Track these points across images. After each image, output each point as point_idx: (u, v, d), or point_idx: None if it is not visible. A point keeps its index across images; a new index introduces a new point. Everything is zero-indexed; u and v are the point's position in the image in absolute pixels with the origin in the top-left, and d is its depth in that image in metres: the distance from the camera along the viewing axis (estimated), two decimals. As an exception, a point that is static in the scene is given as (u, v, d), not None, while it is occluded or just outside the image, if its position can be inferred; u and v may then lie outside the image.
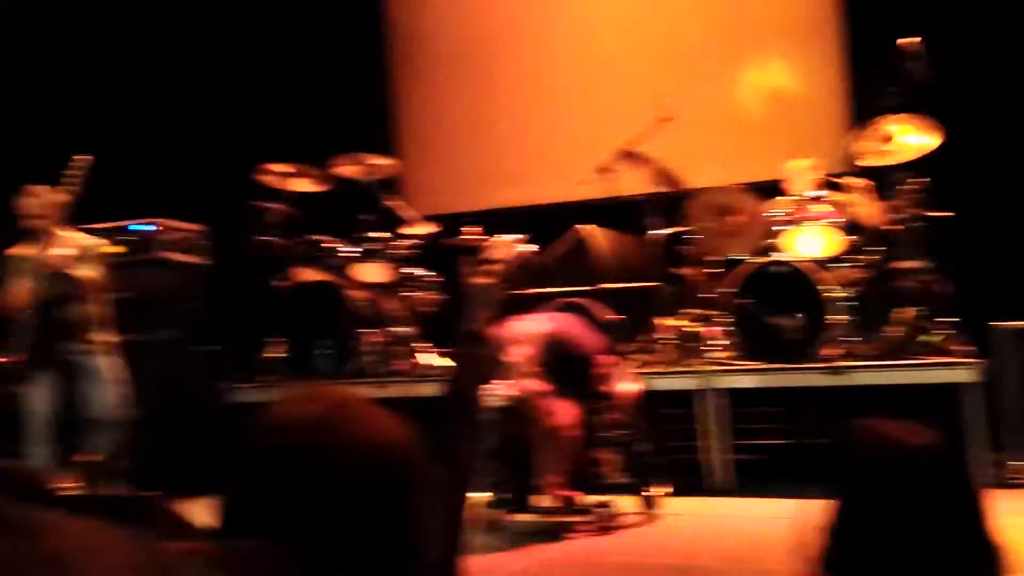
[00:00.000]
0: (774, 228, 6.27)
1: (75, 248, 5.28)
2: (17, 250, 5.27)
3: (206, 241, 7.02)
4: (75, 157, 5.29)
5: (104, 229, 6.56)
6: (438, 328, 6.95)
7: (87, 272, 5.23)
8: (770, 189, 6.75)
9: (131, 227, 6.66)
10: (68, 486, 4.86)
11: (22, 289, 5.07)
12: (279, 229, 7.08)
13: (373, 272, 7.10)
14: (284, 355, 6.89)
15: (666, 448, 5.40)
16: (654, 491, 4.98)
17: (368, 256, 7.09)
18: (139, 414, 5.44)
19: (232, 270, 7.28)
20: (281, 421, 1.09)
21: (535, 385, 4.64)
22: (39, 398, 5.15)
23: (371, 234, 7.12)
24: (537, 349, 4.70)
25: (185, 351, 6.49)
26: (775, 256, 6.13)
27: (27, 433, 5.10)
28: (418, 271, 7.18)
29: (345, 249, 7.15)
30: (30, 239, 5.23)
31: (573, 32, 8.88)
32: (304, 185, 7.20)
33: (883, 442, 1.51)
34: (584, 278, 6.84)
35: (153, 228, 6.65)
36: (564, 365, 4.75)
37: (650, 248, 6.63)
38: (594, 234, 7.23)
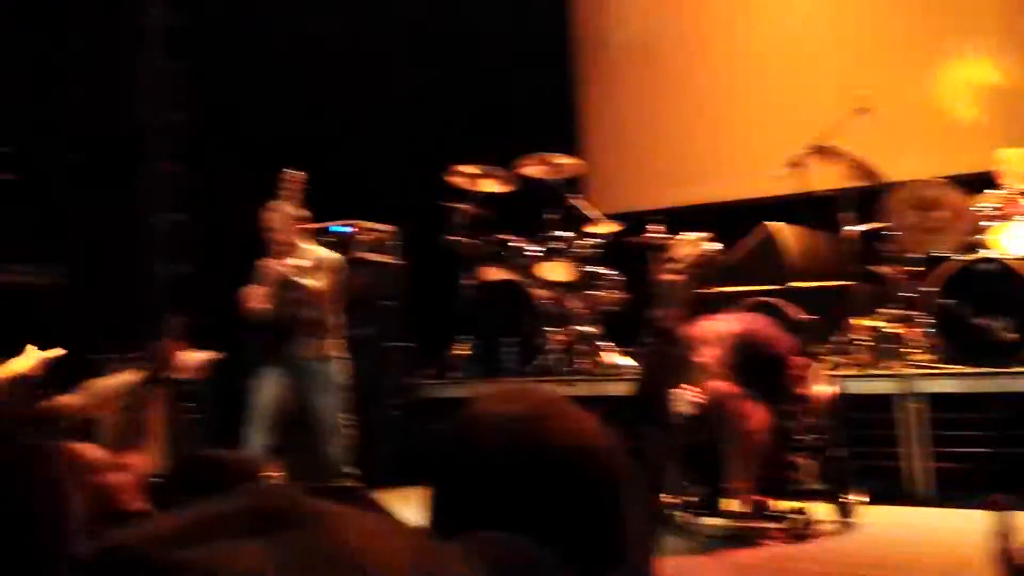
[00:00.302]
0: (981, 223, 5.92)
1: (310, 260, 5.59)
2: (265, 260, 5.63)
3: (398, 241, 7.25)
4: (287, 172, 5.55)
5: (311, 231, 6.91)
6: (621, 327, 6.92)
7: (317, 282, 5.52)
8: (977, 182, 6.38)
9: (332, 228, 6.95)
10: (274, 476, 5.12)
11: (258, 293, 5.45)
12: (467, 229, 7.23)
13: (557, 271, 7.14)
14: (471, 352, 7.02)
15: (862, 454, 5.19)
16: (850, 498, 4.79)
17: (553, 255, 7.14)
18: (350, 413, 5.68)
19: (422, 269, 7.49)
20: (489, 418, 1.10)
21: (725, 386, 4.54)
22: (264, 393, 5.49)
23: (556, 233, 7.17)
24: (727, 349, 4.60)
25: (380, 348, 6.72)
26: (982, 253, 5.78)
27: (249, 423, 5.44)
28: (602, 270, 7.18)
29: (530, 248, 7.23)
30: (275, 250, 5.58)
31: (764, 24, 8.66)
32: (491, 185, 7.33)
33: None
34: (774, 277, 6.66)
35: (350, 229, 6.91)
36: (755, 366, 4.62)
37: (845, 245, 6.38)
38: (784, 231, 7.03)
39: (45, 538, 0.92)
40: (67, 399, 4.05)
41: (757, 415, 4.56)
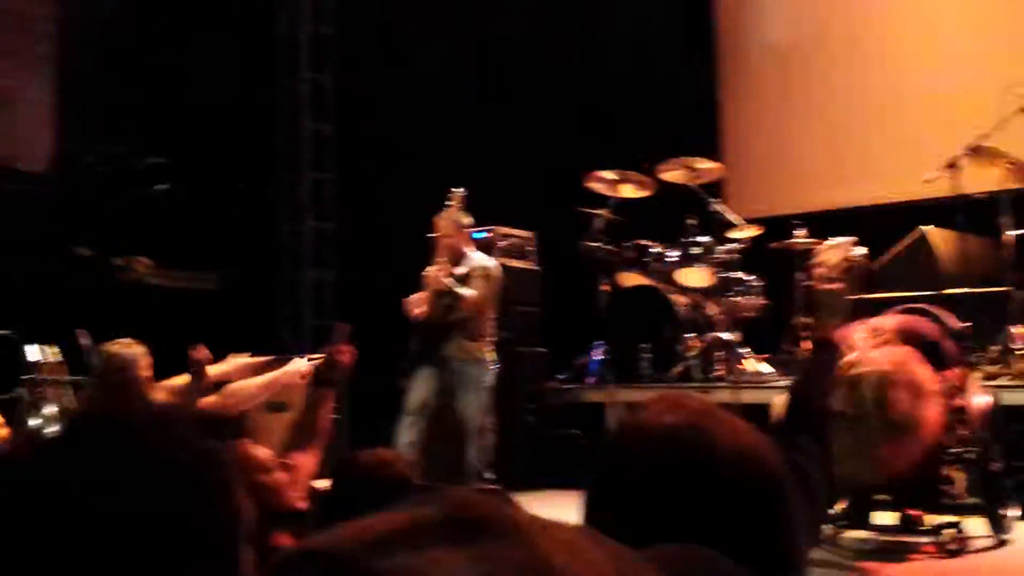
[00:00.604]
0: None
1: (471, 267, 5.80)
2: (428, 269, 5.87)
3: (537, 246, 7.29)
4: (451, 191, 5.82)
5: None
6: (761, 333, 6.77)
7: (474, 290, 5.71)
8: None
9: (474, 235, 7.06)
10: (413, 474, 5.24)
11: (419, 299, 5.75)
12: (605, 234, 7.20)
13: (696, 276, 7.04)
14: (609, 358, 6.99)
15: (1019, 467, 4.91)
16: (1006, 513, 4.54)
17: (692, 260, 7.04)
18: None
19: (561, 275, 7.50)
20: (649, 426, 1.10)
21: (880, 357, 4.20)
22: (415, 393, 5.67)
23: (695, 238, 7.07)
24: (889, 342, 4.32)
25: (517, 352, 6.75)
26: None
27: (400, 422, 5.62)
28: (742, 275, 7.03)
29: (669, 254, 7.15)
30: (441, 254, 5.83)
31: (915, 22, 8.37)
32: (630, 190, 7.28)
33: None
34: (927, 283, 6.40)
35: (488, 235, 6.99)
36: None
37: (1003, 250, 6.08)
38: (938, 235, 6.75)
39: (220, 543, 0.93)
40: (208, 400, 4.21)
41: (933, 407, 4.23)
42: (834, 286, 2.77)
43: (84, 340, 5.24)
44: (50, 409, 5.22)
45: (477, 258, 5.89)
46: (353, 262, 8.27)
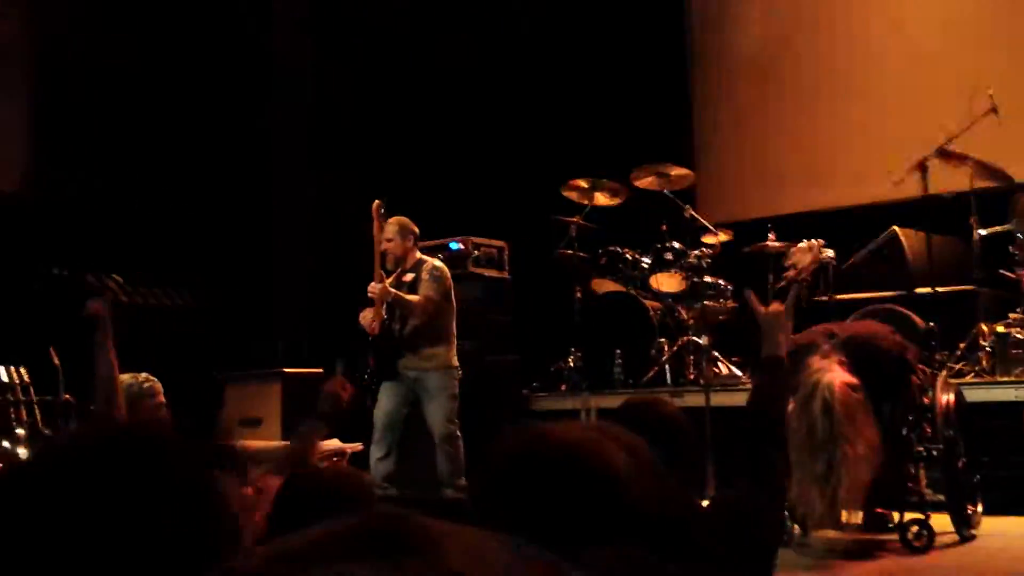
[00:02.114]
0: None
1: (420, 271, 5.73)
2: (372, 284, 5.74)
3: (510, 255, 7.31)
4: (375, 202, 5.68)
5: (427, 248, 7.04)
6: (733, 336, 6.80)
7: (425, 295, 5.62)
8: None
9: (451, 245, 7.07)
10: (378, 487, 5.25)
11: (369, 314, 5.63)
12: (579, 242, 7.23)
13: (669, 282, 7.07)
14: (582, 365, 7.01)
15: (987, 464, 4.94)
16: (972, 510, 4.57)
17: (664, 266, 7.07)
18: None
19: (534, 283, 7.52)
20: (555, 437, 1.11)
21: (845, 389, 4.27)
22: (380, 408, 5.63)
23: (668, 244, 7.10)
24: (844, 351, 4.37)
25: (490, 361, 6.76)
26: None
27: (373, 439, 5.58)
28: (713, 279, 7.06)
29: (642, 260, 7.18)
30: (387, 265, 5.77)
31: (883, 26, 8.43)
32: (603, 198, 7.31)
33: None
34: (897, 283, 6.44)
35: (461, 246, 7.01)
36: (874, 369, 4.40)
37: (972, 249, 6.12)
38: (907, 236, 6.79)
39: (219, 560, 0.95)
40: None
41: (869, 429, 4.32)
42: (776, 308, 2.87)
43: (55, 360, 5.23)
44: (20, 431, 5.20)
45: (427, 261, 5.79)
46: (329, 277, 8.27)
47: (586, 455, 1.07)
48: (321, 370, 7.06)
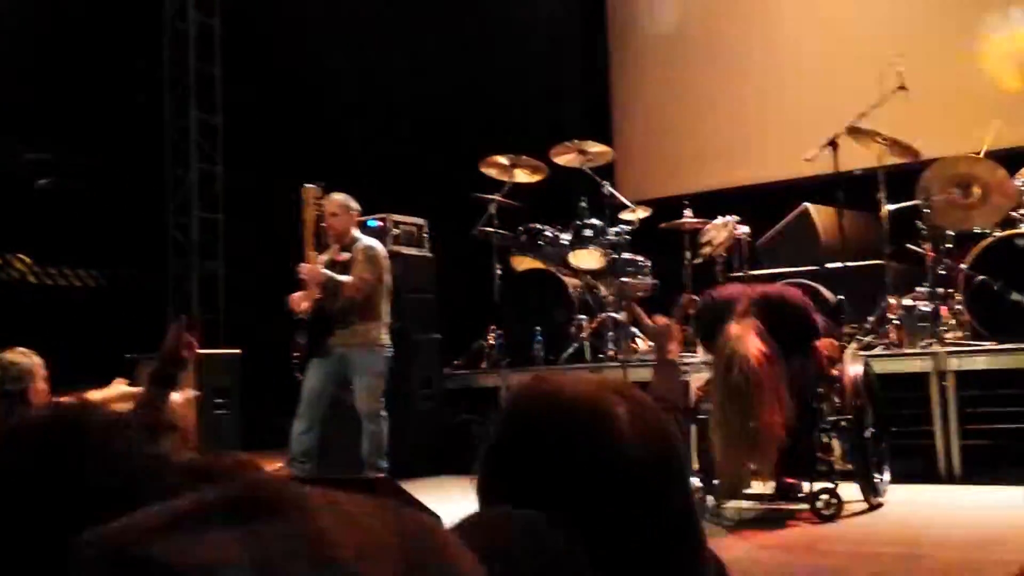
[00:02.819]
0: (1020, 197, 5.78)
1: (355, 251, 5.67)
2: (303, 263, 5.67)
3: (430, 233, 7.26)
4: (306, 187, 5.61)
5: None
6: (652, 312, 6.86)
7: (359, 275, 5.58)
8: (1016, 156, 6.23)
9: (369, 223, 6.99)
10: (279, 469, 5.22)
11: (301, 295, 5.59)
12: (499, 219, 7.22)
13: (589, 258, 7.11)
14: (502, 342, 7.02)
15: (894, 433, 5.08)
16: (880, 479, 4.69)
17: (584, 242, 7.10)
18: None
19: (455, 261, 7.50)
20: (549, 394, 1.06)
21: (753, 345, 4.30)
22: (307, 382, 5.57)
23: (587, 221, 7.13)
24: (756, 311, 4.40)
25: (411, 340, 6.73)
26: (1020, 228, 5.65)
27: (296, 416, 5.52)
28: (632, 256, 7.12)
29: (562, 236, 7.20)
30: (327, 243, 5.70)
31: (797, 6, 8.56)
32: (523, 175, 7.31)
33: None
34: (809, 258, 6.56)
35: (379, 223, 6.95)
36: (783, 328, 4.42)
37: (881, 224, 6.25)
38: (818, 212, 6.92)
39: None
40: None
41: (782, 399, 4.38)
42: (663, 322, 3.00)
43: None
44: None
45: (362, 241, 5.75)
46: (242, 255, 8.15)
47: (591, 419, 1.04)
48: (238, 351, 6.98)
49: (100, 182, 7.74)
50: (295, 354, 5.64)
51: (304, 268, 5.51)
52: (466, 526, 0.89)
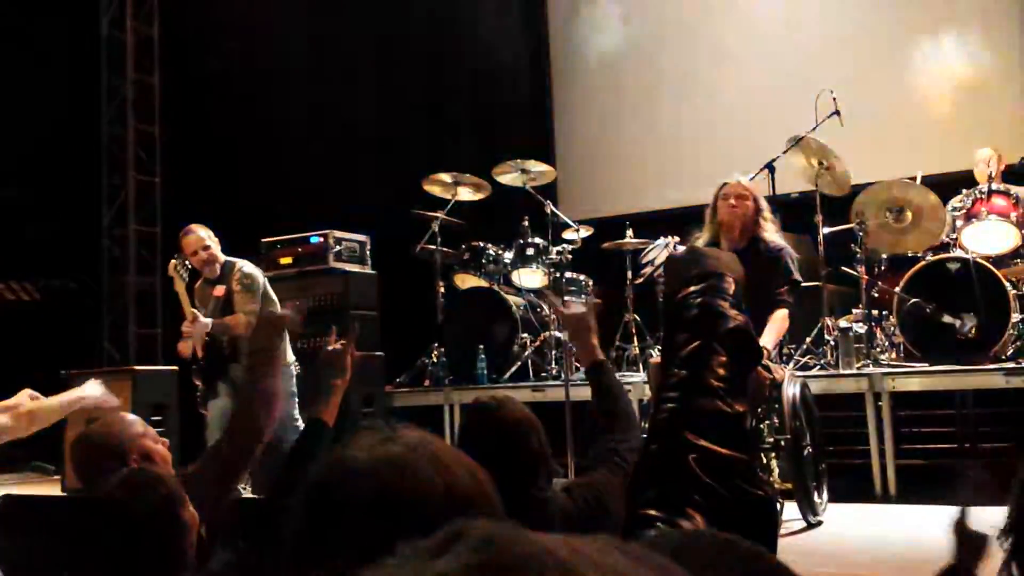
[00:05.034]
0: (952, 223, 5.96)
1: (226, 284, 5.57)
2: (199, 285, 5.65)
3: (372, 250, 7.24)
4: (171, 263, 5.55)
5: (286, 241, 6.90)
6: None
7: (231, 318, 5.48)
8: (948, 182, 6.42)
9: (312, 239, 6.95)
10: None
11: (188, 345, 5.46)
12: (441, 236, 7.23)
13: (531, 277, 7.14)
14: (445, 360, 7.01)
15: (831, 453, 5.18)
16: (816, 497, 4.78)
17: (527, 261, 7.14)
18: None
19: (397, 278, 7.48)
20: (358, 461, 1.04)
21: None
22: (213, 413, 5.48)
23: (529, 239, 7.16)
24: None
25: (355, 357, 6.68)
26: (951, 253, 5.82)
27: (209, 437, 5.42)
28: (574, 275, 7.17)
29: (504, 255, 7.23)
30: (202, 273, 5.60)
31: (736, 30, 8.72)
32: (466, 193, 7.33)
33: None
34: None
35: (320, 239, 6.91)
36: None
37: (816, 246, 6.38)
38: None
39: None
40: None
41: None
42: (578, 310, 2.98)
43: None
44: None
45: (235, 268, 5.60)
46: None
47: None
48: (175, 368, 6.86)
49: (33, 192, 7.58)
50: (198, 389, 5.56)
51: (188, 329, 5.41)
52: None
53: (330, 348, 2.64)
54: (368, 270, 7.19)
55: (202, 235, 5.57)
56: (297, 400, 5.51)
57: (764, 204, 5.10)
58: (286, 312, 2.56)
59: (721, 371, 2.40)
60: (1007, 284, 5.52)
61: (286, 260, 6.77)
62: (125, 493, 1.85)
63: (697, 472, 2.27)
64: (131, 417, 2.48)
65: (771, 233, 5.03)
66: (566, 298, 6.50)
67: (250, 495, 5.12)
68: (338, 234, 7.05)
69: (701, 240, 5.20)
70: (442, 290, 7.29)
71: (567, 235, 7.26)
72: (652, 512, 2.09)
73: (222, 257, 5.62)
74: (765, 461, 4.73)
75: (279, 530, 1.04)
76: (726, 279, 2.67)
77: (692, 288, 2.63)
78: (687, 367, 2.47)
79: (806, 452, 4.78)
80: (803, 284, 6.38)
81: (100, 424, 2.54)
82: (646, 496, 2.23)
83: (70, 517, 1.97)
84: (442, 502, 0.99)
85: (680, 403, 2.42)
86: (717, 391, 2.39)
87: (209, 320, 5.43)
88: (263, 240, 7.03)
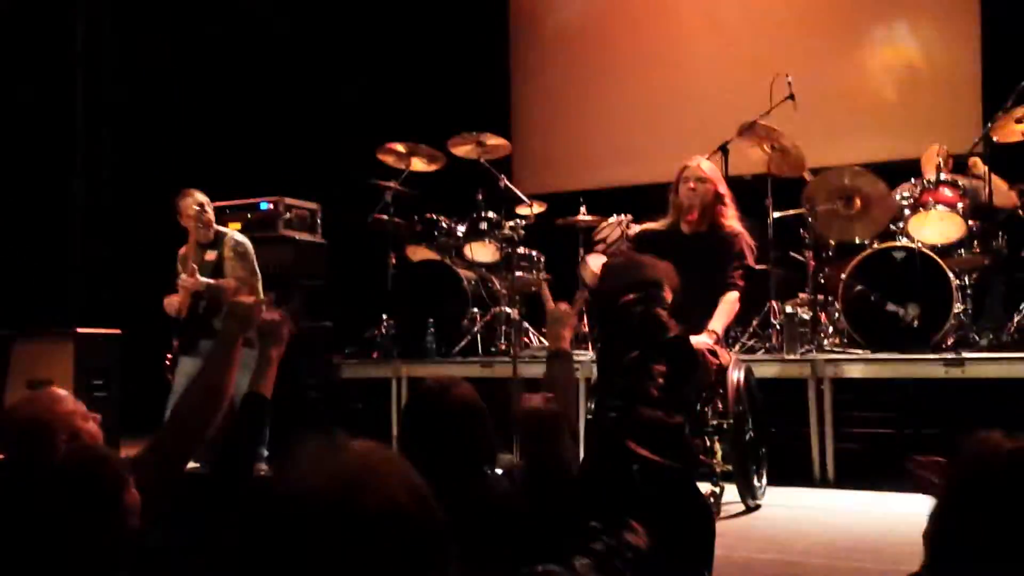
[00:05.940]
0: (899, 211, 6.04)
1: (218, 250, 5.60)
2: (184, 248, 5.62)
3: (323, 219, 7.17)
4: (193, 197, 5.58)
5: (235, 206, 6.80)
6: (544, 308, 6.93)
7: (226, 280, 5.52)
8: (898, 170, 6.49)
9: (261, 205, 6.87)
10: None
11: (176, 301, 5.51)
12: (394, 207, 7.17)
13: (483, 251, 7.13)
14: (395, 332, 6.99)
15: (772, 437, 5.25)
16: (756, 481, 4.86)
17: (479, 235, 7.12)
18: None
19: (348, 248, 7.42)
20: (303, 481, 1.03)
21: None
22: (178, 380, 5.44)
23: (483, 213, 7.14)
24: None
25: (301, 327, 6.63)
26: (897, 241, 5.90)
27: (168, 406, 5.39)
28: (526, 251, 7.17)
29: (457, 228, 7.20)
30: (192, 237, 5.58)
31: (693, 11, 8.71)
32: (420, 164, 7.28)
33: (993, 453, 1.45)
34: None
35: (271, 205, 6.83)
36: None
37: (766, 230, 6.43)
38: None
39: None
40: None
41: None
42: (565, 307, 3.03)
43: None
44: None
45: (227, 237, 5.67)
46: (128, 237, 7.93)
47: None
48: (118, 330, 6.76)
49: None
50: (168, 356, 5.54)
51: (186, 281, 5.45)
52: None
53: (267, 317, 2.60)
54: (318, 239, 7.13)
55: (201, 198, 5.60)
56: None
57: (724, 189, 5.12)
58: (259, 302, 2.50)
59: (660, 380, 2.44)
60: (951, 274, 5.62)
61: (235, 226, 6.68)
62: (66, 465, 1.82)
63: (639, 482, 2.30)
64: (61, 393, 2.41)
65: (730, 219, 5.06)
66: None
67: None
68: (289, 201, 6.96)
69: (664, 221, 5.22)
70: (394, 261, 7.25)
71: (520, 210, 7.24)
72: (595, 524, 2.12)
73: (216, 229, 5.66)
74: (708, 444, 4.79)
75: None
76: (664, 288, 2.71)
77: (632, 296, 2.66)
78: (628, 376, 2.50)
79: (748, 436, 4.83)
80: (756, 267, 6.47)
81: (27, 399, 2.49)
82: (592, 506, 2.26)
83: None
84: (384, 525, 0.99)
85: (623, 411, 2.45)
86: (657, 401, 2.42)
87: (205, 279, 5.47)
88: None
